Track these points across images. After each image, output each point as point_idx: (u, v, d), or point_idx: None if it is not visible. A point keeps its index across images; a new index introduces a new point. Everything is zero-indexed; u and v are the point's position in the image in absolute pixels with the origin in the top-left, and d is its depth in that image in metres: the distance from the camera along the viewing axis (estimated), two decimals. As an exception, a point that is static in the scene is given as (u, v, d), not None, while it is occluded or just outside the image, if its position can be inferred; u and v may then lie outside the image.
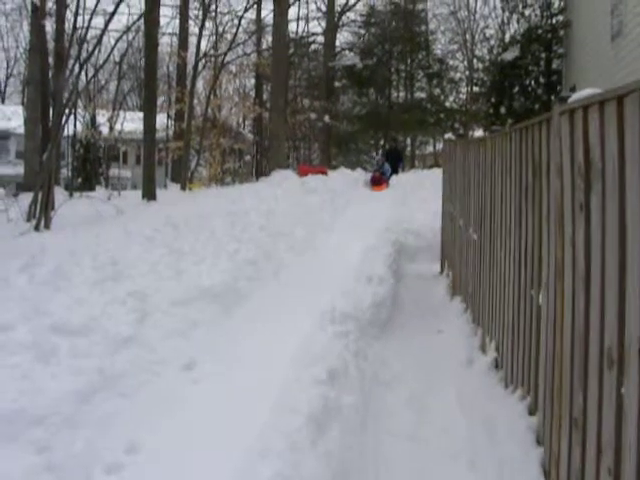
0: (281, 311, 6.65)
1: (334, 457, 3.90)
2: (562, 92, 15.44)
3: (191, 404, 4.71)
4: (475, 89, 31.34)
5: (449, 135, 15.01)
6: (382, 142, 31.43)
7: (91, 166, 25.57)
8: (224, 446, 4.01)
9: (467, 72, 33.07)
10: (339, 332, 5.75)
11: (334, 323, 5.95)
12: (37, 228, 10.78)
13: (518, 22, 20.80)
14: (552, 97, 16.17)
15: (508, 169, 4.61)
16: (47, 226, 11.03)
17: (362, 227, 11.18)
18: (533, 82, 19.90)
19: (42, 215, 11.11)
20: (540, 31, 18.79)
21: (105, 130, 27.41)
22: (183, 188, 17.91)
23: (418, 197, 14.95)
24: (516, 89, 20.00)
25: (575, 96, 2.80)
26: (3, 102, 47.78)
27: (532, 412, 3.82)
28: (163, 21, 22.21)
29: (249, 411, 4.38)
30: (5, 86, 48.98)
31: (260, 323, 6.26)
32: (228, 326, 6.09)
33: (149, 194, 14.83)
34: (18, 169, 28.32)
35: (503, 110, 19.44)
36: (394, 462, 4.37)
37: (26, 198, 13.33)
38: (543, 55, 19.46)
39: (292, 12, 27.49)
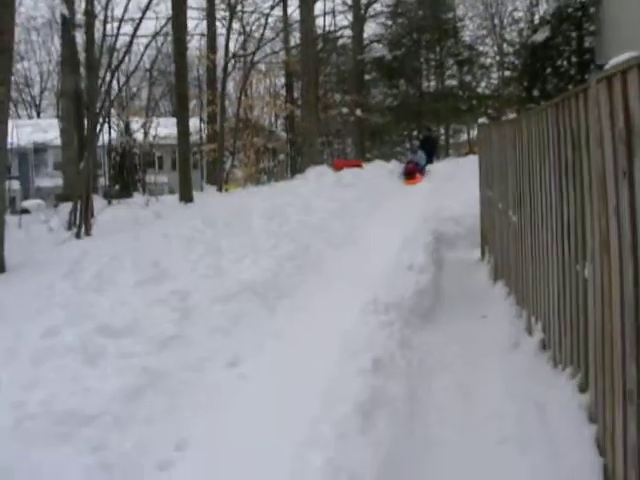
0: (322, 304, 6.64)
1: (383, 445, 3.88)
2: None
3: (238, 399, 4.72)
4: (506, 73, 30.95)
5: (483, 120, 14.77)
6: (415, 133, 31.21)
7: (128, 173, 25.91)
8: (274, 438, 4.01)
9: (497, 57, 32.62)
10: (383, 322, 5.71)
11: (377, 313, 5.92)
12: (78, 235, 10.92)
13: (547, 2, 20.44)
14: (585, 76, 15.86)
15: (546, 145, 4.52)
16: (88, 233, 11.18)
17: (400, 218, 11.11)
18: (565, 62, 19.51)
19: (82, 223, 11.26)
20: (570, 9, 18.41)
21: (140, 137, 27.73)
22: (219, 189, 18.04)
23: (455, 185, 14.79)
24: (548, 70, 19.66)
25: (612, 61, 2.73)
26: (39, 116, 48.68)
27: (583, 389, 3.74)
28: (190, 24, 22.29)
29: (297, 404, 4.38)
30: (40, 100, 49.92)
31: (302, 317, 6.26)
32: (271, 321, 6.10)
33: (186, 197, 14.96)
34: (56, 180, 28.82)
35: (536, 93, 19.12)
36: (443, 449, 4.32)
37: (66, 208, 13.54)
38: (574, 34, 19.08)
39: (318, 7, 27.49)
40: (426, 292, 7.11)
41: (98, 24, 18.12)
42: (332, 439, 3.67)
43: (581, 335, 3.76)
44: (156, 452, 4.13)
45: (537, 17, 24.07)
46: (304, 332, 5.81)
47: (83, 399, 4.27)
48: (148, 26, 44.43)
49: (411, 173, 16.85)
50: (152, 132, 27.10)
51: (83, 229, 11.17)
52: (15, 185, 32.19)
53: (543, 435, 4.03)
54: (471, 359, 5.63)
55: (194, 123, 24.18)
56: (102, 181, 26.77)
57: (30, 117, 48.12)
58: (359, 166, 17.96)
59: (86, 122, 14.47)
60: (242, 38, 24.69)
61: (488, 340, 5.96)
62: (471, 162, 15.61)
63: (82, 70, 18.44)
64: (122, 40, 17.78)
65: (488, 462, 4.14)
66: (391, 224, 10.57)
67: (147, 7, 13.79)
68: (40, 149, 41.73)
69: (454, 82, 32.34)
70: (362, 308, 6.10)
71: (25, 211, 18.53)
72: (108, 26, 16.31)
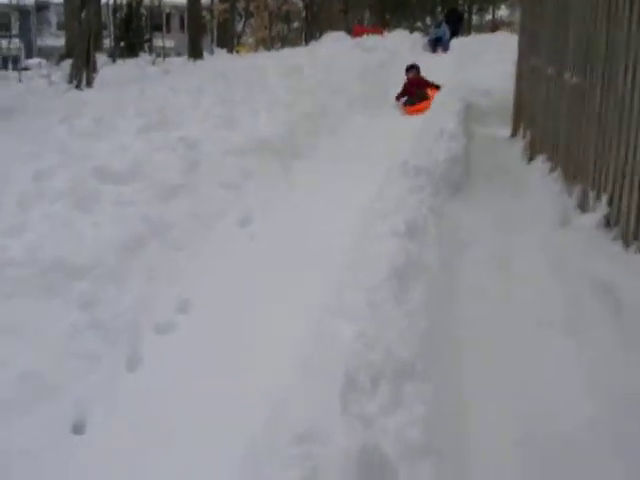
0: (343, 165, 6.04)
1: (418, 317, 3.33)
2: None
3: (249, 260, 4.20)
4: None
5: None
6: (439, 9, 29.39)
7: (134, 33, 24.52)
8: (294, 305, 3.50)
9: None
10: (413, 186, 5.06)
11: (407, 176, 5.27)
12: (79, 86, 10.19)
13: None
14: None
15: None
16: (89, 84, 10.43)
17: (426, 86, 10.24)
18: None
19: (83, 74, 10.47)
20: None
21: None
22: (230, 51, 16.95)
23: (483, 60, 13.75)
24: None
25: None
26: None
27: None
28: None
29: (319, 267, 3.84)
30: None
31: (321, 177, 5.67)
32: (286, 179, 5.51)
33: (195, 53, 13.98)
34: (60, 41, 27.47)
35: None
36: (481, 325, 3.81)
37: (68, 65, 12.75)
38: None
39: None
40: (457, 160, 6.43)
41: None
42: (363, 307, 3.10)
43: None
44: (155, 313, 3.64)
45: None
46: (324, 192, 5.24)
47: (74, 248, 3.72)
48: None
49: (418, 96, 9.41)
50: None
51: (84, 81, 10.43)
52: (17, 44, 30.89)
53: (602, 318, 3.48)
54: (510, 234, 5.04)
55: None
56: (107, 43, 25.45)
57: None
58: (380, 33, 16.75)
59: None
60: None
61: (529, 217, 5.35)
62: (499, 38, 14.58)
63: None
64: None
65: (529, 341, 3.64)
66: (416, 91, 9.73)
67: None
68: (42, 7, 39.90)
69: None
70: (389, 171, 5.45)
71: (26, 69, 17.87)
72: None
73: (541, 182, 6.09)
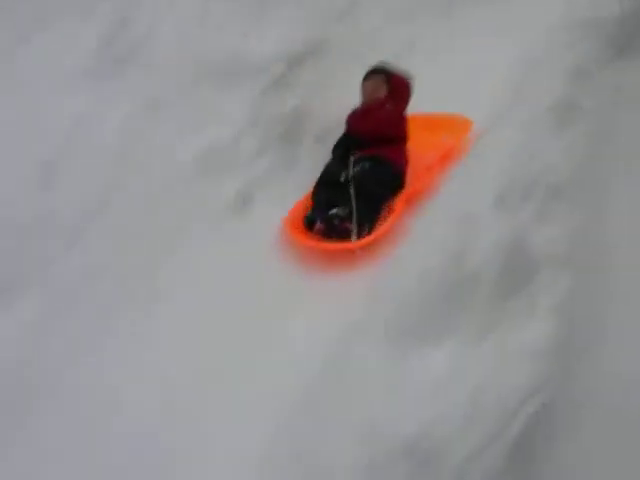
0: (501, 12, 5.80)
1: (573, 152, 3.37)
2: None
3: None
4: None
5: None
6: None
7: None
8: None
9: None
10: (577, 37, 4.88)
11: (571, 29, 5.07)
12: None
13: None
14: None
15: None
16: None
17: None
18: None
19: None
20: None
21: None
22: None
23: None
24: None
25: None
26: None
27: None
28: None
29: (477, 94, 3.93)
30: None
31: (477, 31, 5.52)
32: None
33: None
34: None
35: None
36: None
37: None
38: None
39: None
40: (626, 21, 6.03)
41: None
42: (521, 136, 3.19)
43: None
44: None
45: None
46: (481, 41, 5.14)
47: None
48: None
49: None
50: None
51: None
52: None
53: None
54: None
55: None
56: None
57: None
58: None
59: None
60: None
61: None
62: None
63: None
64: None
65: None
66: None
67: None
68: None
69: None
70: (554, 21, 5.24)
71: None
72: None
73: None
